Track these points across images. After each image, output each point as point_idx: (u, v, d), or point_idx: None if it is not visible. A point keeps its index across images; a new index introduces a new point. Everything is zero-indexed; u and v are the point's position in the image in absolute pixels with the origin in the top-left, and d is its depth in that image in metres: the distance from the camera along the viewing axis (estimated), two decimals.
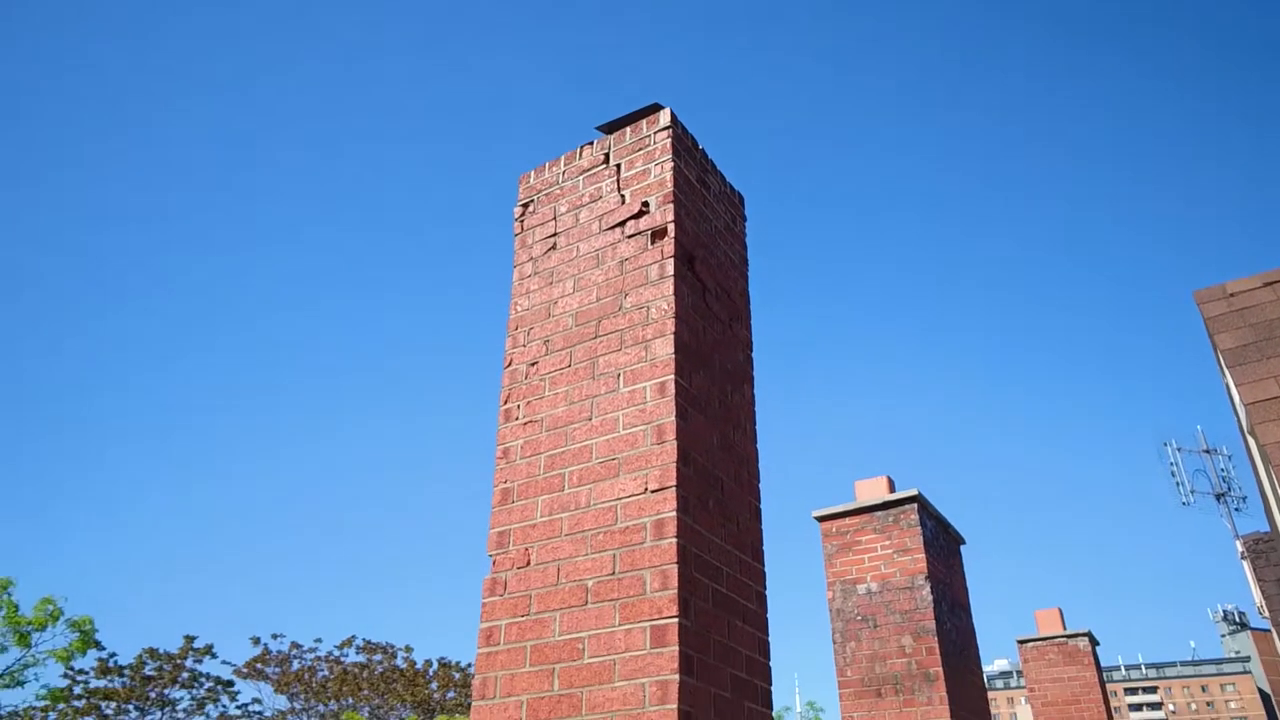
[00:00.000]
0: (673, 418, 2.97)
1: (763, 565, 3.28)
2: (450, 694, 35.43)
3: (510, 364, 3.48)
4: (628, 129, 3.72)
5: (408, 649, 35.85)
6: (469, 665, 36.32)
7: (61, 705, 28.60)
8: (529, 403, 3.34)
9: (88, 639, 19.33)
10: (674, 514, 2.80)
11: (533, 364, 3.42)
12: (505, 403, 3.40)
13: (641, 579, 2.75)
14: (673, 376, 3.04)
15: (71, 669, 29.96)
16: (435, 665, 36.14)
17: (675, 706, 2.52)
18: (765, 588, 3.25)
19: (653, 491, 2.87)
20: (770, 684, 3.08)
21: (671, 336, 3.11)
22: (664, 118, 3.62)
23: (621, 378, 3.15)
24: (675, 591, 2.68)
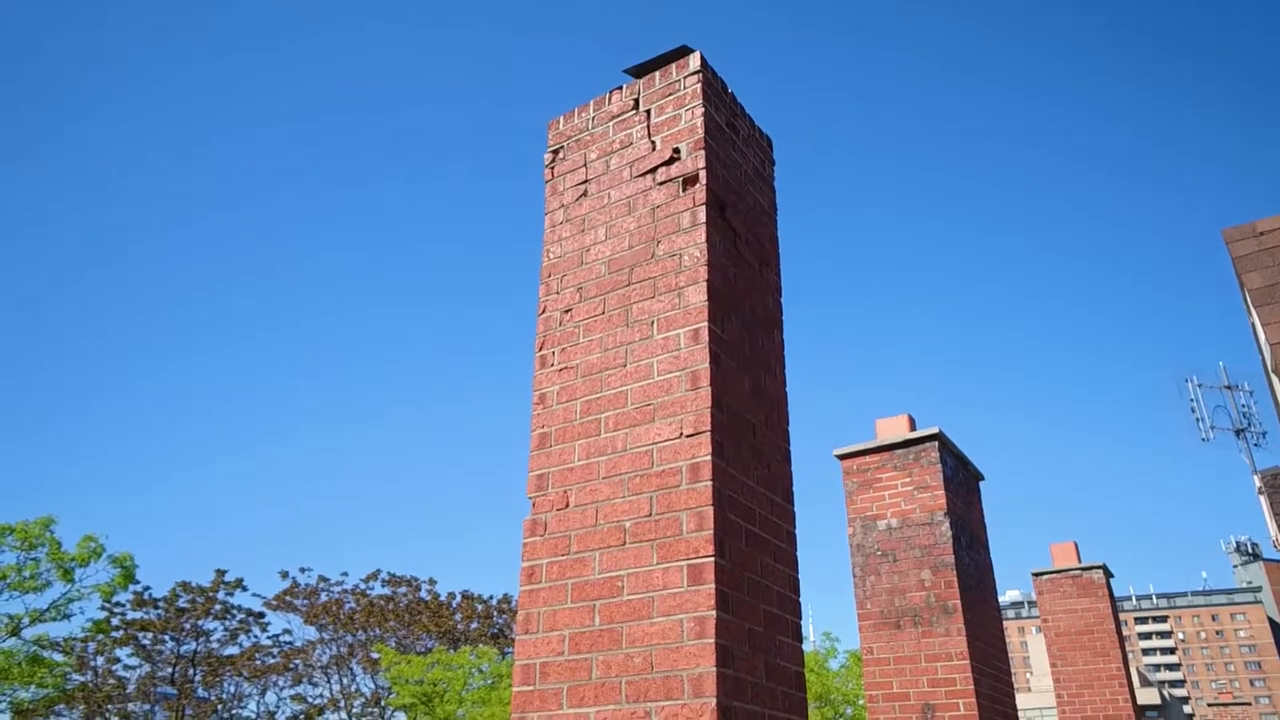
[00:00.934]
0: (706, 364, 3.03)
1: (793, 505, 3.37)
2: (474, 625, 36.44)
3: (544, 311, 3.54)
4: (657, 73, 3.70)
5: (432, 582, 36.78)
6: (491, 597, 37.25)
7: (100, 636, 29.70)
8: (564, 349, 3.41)
9: (129, 574, 19.97)
10: (709, 458, 2.88)
11: (567, 311, 3.48)
12: (540, 349, 3.47)
13: (678, 520, 2.85)
14: (706, 324, 3.10)
15: (109, 602, 31.04)
16: (459, 598, 37.11)
17: (712, 641, 2.64)
18: (795, 527, 3.35)
19: (688, 436, 2.95)
20: (800, 618, 3.20)
21: (704, 284, 3.16)
22: (694, 61, 3.60)
23: (655, 325, 3.21)
24: (711, 532, 2.78)
